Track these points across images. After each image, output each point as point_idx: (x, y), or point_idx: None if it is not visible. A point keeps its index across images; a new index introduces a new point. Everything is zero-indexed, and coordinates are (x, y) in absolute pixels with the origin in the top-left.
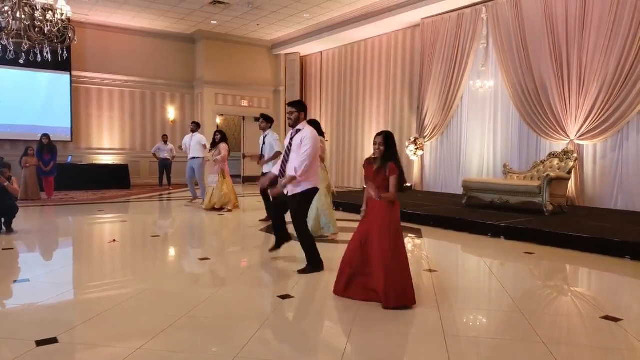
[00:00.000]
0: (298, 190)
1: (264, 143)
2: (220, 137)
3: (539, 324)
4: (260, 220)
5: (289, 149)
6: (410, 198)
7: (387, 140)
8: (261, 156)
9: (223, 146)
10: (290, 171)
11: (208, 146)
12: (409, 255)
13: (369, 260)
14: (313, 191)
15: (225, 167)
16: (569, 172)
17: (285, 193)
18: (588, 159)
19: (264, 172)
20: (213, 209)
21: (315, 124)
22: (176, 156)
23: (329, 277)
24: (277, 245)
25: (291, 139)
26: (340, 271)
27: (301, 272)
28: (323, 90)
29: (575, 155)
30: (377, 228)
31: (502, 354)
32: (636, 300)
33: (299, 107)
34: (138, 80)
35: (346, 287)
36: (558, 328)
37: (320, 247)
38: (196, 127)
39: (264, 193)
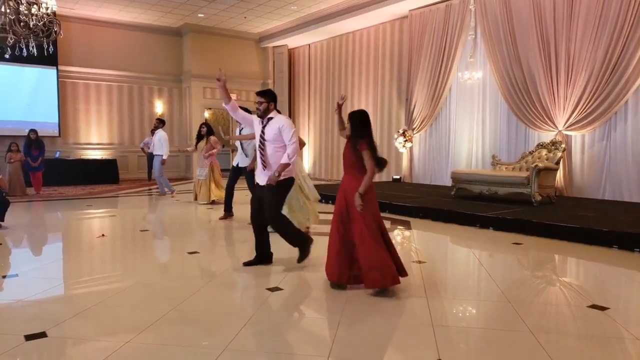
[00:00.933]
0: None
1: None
2: (207, 130)
3: (527, 314)
4: (220, 218)
5: (263, 140)
6: (399, 190)
7: (354, 119)
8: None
9: (214, 139)
10: (273, 162)
11: (166, 144)
12: (397, 246)
13: (350, 242)
14: (291, 181)
15: (214, 161)
16: (557, 163)
17: (262, 184)
18: (576, 150)
19: (237, 164)
20: (213, 202)
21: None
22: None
23: (318, 269)
24: (257, 261)
25: (263, 128)
26: (329, 256)
27: (300, 261)
28: (311, 82)
29: (563, 145)
30: (352, 208)
31: (491, 344)
32: (623, 289)
33: (269, 97)
34: (125, 75)
35: (339, 275)
36: (546, 317)
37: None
38: (160, 123)
39: (230, 189)
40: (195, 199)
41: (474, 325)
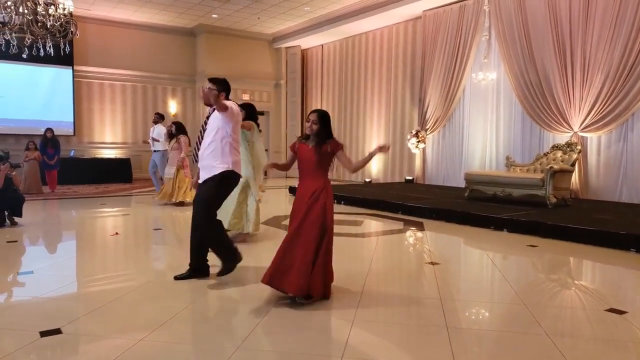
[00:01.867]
0: (212, 173)
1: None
2: (176, 128)
3: (543, 317)
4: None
5: (203, 130)
6: (411, 191)
7: (321, 119)
8: None
9: (184, 140)
10: (206, 156)
11: (162, 139)
12: (410, 248)
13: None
14: (235, 177)
15: (185, 160)
16: (573, 165)
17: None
18: (592, 151)
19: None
20: (178, 203)
21: (249, 109)
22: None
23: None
24: (190, 274)
25: (209, 115)
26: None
27: (221, 274)
28: (324, 83)
29: (579, 147)
30: (305, 212)
31: (507, 347)
32: None
33: (222, 86)
34: (139, 75)
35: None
36: (562, 320)
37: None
38: (159, 118)
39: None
40: (163, 198)
41: (489, 328)
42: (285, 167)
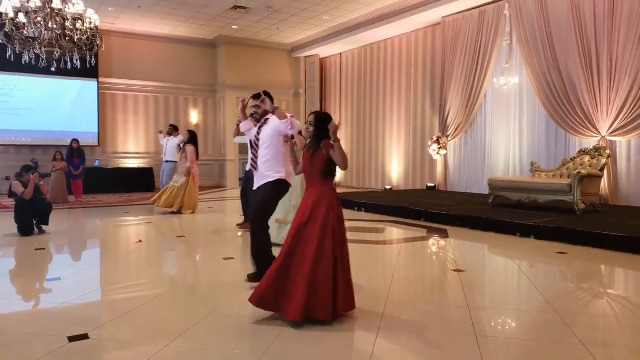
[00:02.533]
0: (266, 180)
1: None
2: (189, 137)
3: (577, 325)
4: (237, 225)
5: (256, 144)
6: (434, 198)
7: (318, 121)
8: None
9: (191, 150)
10: (264, 168)
11: (174, 150)
12: (433, 258)
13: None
14: (285, 185)
15: (193, 169)
16: (602, 170)
17: (255, 189)
18: (622, 156)
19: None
20: (173, 211)
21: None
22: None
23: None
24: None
25: (259, 131)
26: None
27: (252, 279)
28: (343, 91)
29: (607, 151)
30: (310, 223)
31: (540, 356)
32: None
33: (272, 99)
34: (162, 86)
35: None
36: (597, 329)
37: None
38: (173, 130)
39: (244, 197)
40: (155, 202)
41: (521, 337)
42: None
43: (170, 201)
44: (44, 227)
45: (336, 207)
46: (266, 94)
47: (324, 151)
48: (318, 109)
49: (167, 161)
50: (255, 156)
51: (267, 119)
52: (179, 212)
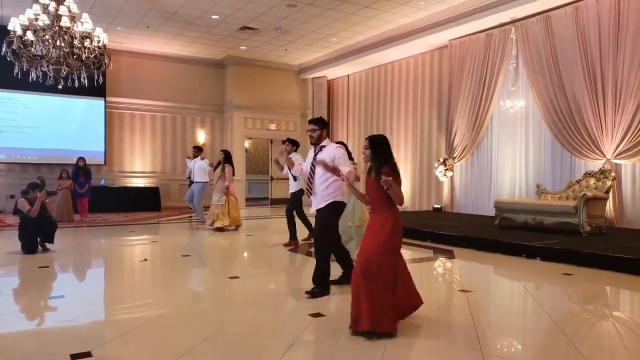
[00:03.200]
0: (325, 203)
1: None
2: (223, 157)
3: (583, 346)
4: (284, 245)
5: (313, 167)
6: (441, 219)
7: (372, 143)
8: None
9: (228, 169)
10: (319, 189)
11: (204, 172)
12: (439, 278)
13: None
14: (342, 205)
15: (230, 187)
16: (607, 192)
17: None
18: (627, 179)
19: (291, 191)
20: (218, 228)
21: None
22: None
23: None
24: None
25: (315, 155)
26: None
27: (312, 295)
28: (350, 113)
29: (613, 174)
30: (370, 240)
31: None
32: None
33: (321, 125)
34: (169, 105)
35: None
36: (602, 350)
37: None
38: (198, 151)
39: (290, 216)
40: (212, 224)
41: (528, 357)
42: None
43: (221, 219)
44: (49, 245)
45: (394, 228)
46: (316, 122)
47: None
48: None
49: (196, 182)
50: (311, 182)
51: (324, 146)
52: (231, 228)
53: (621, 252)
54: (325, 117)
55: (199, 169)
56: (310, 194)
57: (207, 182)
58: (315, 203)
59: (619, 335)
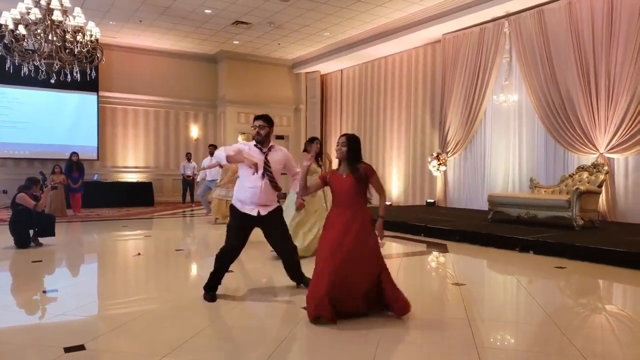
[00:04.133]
0: (275, 205)
1: None
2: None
3: (575, 337)
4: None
5: (267, 169)
6: (433, 213)
7: (351, 142)
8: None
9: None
10: (271, 192)
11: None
12: (432, 272)
13: (352, 274)
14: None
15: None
16: (600, 186)
17: (261, 214)
18: (619, 173)
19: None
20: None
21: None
22: (197, 174)
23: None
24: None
25: (266, 157)
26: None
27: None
28: (343, 107)
29: (606, 168)
30: (356, 236)
31: None
32: None
33: (270, 123)
34: (162, 100)
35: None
36: (595, 341)
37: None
38: (214, 149)
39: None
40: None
41: (521, 349)
42: (305, 191)
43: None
44: (46, 239)
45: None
46: (263, 118)
47: (364, 173)
48: (318, 125)
49: (211, 180)
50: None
51: (272, 146)
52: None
53: (614, 246)
54: (319, 112)
55: (215, 169)
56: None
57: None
58: (262, 206)
59: (611, 328)
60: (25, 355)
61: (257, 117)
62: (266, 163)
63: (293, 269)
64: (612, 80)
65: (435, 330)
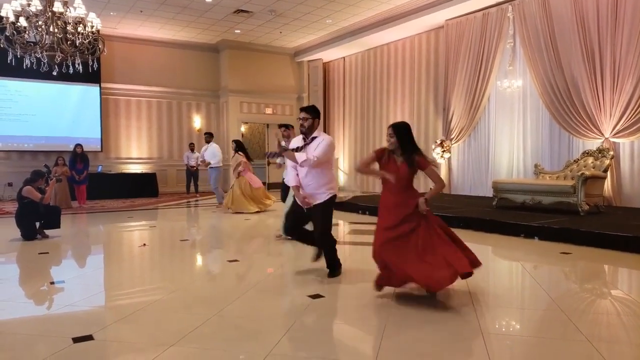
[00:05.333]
0: (322, 198)
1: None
2: (235, 146)
3: (581, 323)
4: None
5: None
6: (438, 200)
7: (398, 132)
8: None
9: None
10: (312, 180)
11: (220, 154)
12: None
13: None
14: (335, 197)
15: (245, 173)
16: (605, 171)
17: (307, 206)
18: (625, 157)
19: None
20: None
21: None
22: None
23: (359, 278)
24: (319, 254)
25: (305, 147)
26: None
27: (333, 276)
28: (346, 95)
29: (611, 153)
30: (420, 222)
31: (547, 351)
32: None
33: (314, 114)
34: (164, 91)
35: (388, 279)
36: (601, 326)
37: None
38: (210, 137)
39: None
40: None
41: (527, 334)
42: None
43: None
44: (52, 231)
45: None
46: (308, 110)
47: (417, 165)
48: (321, 114)
49: (211, 167)
50: (299, 173)
51: (315, 137)
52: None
53: (619, 231)
54: (321, 100)
55: (212, 154)
56: (299, 187)
57: (220, 166)
58: (311, 198)
59: (616, 312)
60: (35, 345)
61: (301, 109)
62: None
63: (325, 255)
64: (618, 64)
65: (440, 318)
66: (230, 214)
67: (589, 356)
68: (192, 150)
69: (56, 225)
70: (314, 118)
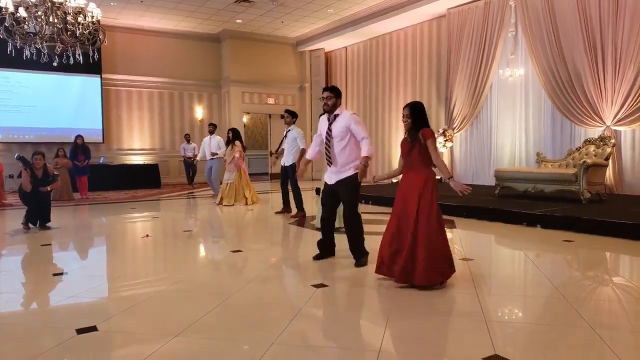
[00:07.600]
0: (348, 174)
1: (285, 137)
2: (232, 135)
3: (584, 310)
4: (276, 213)
5: (329, 136)
6: (440, 190)
7: (414, 112)
8: (280, 149)
9: (237, 145)
10: (339, 157)
11: (223, 146)
12: None
13: (405, 237)
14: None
15: (241, 164)
16: (607, 159)
17: (332, 182)
18: (626, 145)
19: (283, 164)
20: (223, 204)
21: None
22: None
23: (371, 265)
24: (322, 255)
25: (330, 125)
26: (379, 252)
27: (358, 265)
28: (348, 85)
29: (612, 140)
30: (414, 204)
31: (550, 338)
32: None
33: (336, 93)
34: (166, 81)
35: (388, 268)
36: (605, 314)
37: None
38: (214, 128)
39: (283, 187)
40: (220, 202)
41: (529, 321)
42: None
43: (232, 197)
44: (54, 222)
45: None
46: (331, 90)
47: (422, 139)
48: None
49: (212, 158)
50: (329, 151)
51: (338, 115)
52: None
53: (621, 218)
54: None
55: (217, 145)
56: (330, 164)
57: (222, 157)
58: (335, 174)
59: (618, 299)
60: (39, 336)
61: (324, 89)
62: (328, 133)
63: (349, 239)
64: (619, 52)
65: (444, 305)
66: (229, 206)
67: (591, 343)
68: (188, 141)
69: (46, 218)
70: (336, 97)
